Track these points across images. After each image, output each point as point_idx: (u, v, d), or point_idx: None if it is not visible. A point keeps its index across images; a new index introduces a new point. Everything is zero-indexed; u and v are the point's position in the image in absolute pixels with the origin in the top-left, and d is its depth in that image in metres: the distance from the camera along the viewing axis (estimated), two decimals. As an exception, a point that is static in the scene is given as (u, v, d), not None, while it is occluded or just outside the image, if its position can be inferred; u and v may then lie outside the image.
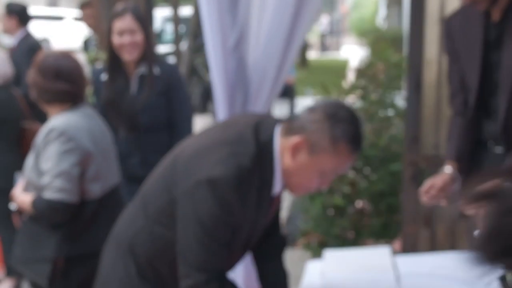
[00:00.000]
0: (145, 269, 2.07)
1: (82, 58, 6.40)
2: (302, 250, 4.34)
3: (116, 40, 3.41)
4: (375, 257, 2.78)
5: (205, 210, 1.88)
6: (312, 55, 22.94)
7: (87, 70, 4.99)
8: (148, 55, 3.47)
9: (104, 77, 3.59)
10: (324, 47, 26.70)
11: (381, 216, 4.18)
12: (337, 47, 27.56)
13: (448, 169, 2.74)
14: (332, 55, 24.42)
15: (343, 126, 1.89)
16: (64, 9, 19.22)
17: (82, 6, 6.21)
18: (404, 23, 8.99)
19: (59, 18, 17.80)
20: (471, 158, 2.74)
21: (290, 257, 2.34)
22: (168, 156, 2.11)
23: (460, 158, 2.76)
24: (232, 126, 2.02)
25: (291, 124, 1.96)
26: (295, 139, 1.92)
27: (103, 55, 5.27)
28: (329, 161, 1.92)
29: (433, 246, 3.56)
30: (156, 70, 3.49)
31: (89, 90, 5.23)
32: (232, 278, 2.02)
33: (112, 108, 3.53)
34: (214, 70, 3.33)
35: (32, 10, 5.21)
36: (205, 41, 3.21)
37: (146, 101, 3.47)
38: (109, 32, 3.43)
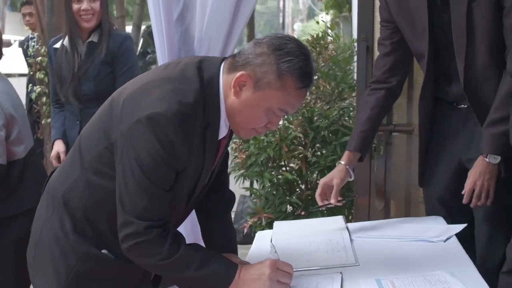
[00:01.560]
0: (82, 225, 1.96)
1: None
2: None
3: (75, 6, 3.64)
4: (327, 224, 2.72)
5: (146, 149, 1.78)
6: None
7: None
8: (102, 22, 3.66)
9: (57, 45, 3.78)
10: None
11: (332, 192, 4.09)
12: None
13: (343, 165, 2.66)
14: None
15: (290, 59, 1.81)
16: (9, 36, 19.24)
17: (22, 5, 6.41)
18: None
19: (6, 45, 17.64)
20: (437, 117, 2.71)
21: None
22: (105, 102, 1.99)
23: (366, 147, 2.74)
24: (174, 65, 1.93)
25: (236, 59, 1.87)
26: (238, 74, 1.82)
27: (43, 50, 5.34)
28: (275, 98, 1.83)
29: (387, 218, 3.49)
30: (106, 39, 3.65)
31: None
32: (177, 231, 1.91)
33: (59, 77, 3.70)
34: (158, 43, 3.34)
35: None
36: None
37: (89, 69, 3.62)
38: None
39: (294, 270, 2.07)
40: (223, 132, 1.92)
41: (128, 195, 1.81)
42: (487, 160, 2.43)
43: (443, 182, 2.70)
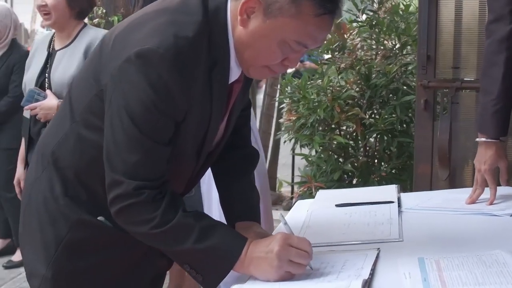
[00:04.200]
0: (74, 188, 1.76)
1: None
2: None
3: None
4: (377, 194, 2.48)
5: (136, 94, 1.56)
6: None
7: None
8: None
9: None
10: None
11: (392, 159, 3.83)
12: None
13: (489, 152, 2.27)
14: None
15: None
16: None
17: None
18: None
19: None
20: None
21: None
22: (97, 43, 1.79)
23: (506, 128, 2.27)
24: None
25: None
26: None
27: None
28: (289, 27, 1.56)
29: (452, 189, 3.20)
30: None
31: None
32: (176, 194, 1.68)
33: None
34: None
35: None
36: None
37: None
38: None
39: (325, 244, 1.85)
40: (235, 74, 1.67)
41: (117, 150, 1.59)
42: None
43: None
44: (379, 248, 1.76)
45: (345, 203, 2.34)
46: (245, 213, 1.92)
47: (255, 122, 4.17)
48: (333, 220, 2.14)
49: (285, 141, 4.22)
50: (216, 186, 2.01)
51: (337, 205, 2.34)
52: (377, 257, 1.69)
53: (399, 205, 2.25)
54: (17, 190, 3.61)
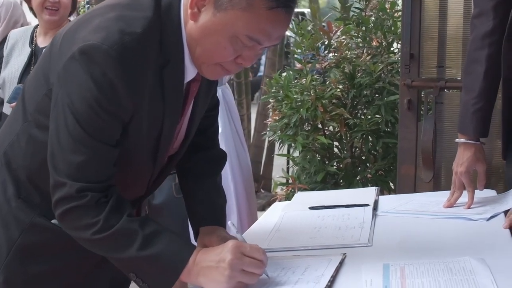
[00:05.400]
0: (27, 190, 1.71)
1: None
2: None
3: None
4: (355, 196, 2.43)
5: (79, 92, 1.50)
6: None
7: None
8: None
9: None
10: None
11: (377, 161, 3.77)
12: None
13: (467, 154, 2.21)
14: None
15: None
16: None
17: None
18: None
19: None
20: None
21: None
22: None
23: (487, 129, 2.23)
24: None
25: None
26: None
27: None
28: (240, 21, 1.50)
29: (436, 191, 3.15)
30: None
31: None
32: (122, 198, 1.61)
33: None
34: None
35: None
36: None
37: None
38: None
39: (291, 249, 1.80)
40: (190, 73, 1.62)
41: (61, 150, 1.54)
42: None
43: None
44: (345, 254, 1.71)
45: (319, 205, 2.30)
46: (209, 217, 1.87)
47: (240, 122, 4.12)
48: (304, 224, 2.10)
49: (270, 141, 4.16)
50: (180, 188, 1.96)
51: (310, 208, 2.30)
52: (342, 263, 1.64)
53: (375, 208, 2.21)
54: None
